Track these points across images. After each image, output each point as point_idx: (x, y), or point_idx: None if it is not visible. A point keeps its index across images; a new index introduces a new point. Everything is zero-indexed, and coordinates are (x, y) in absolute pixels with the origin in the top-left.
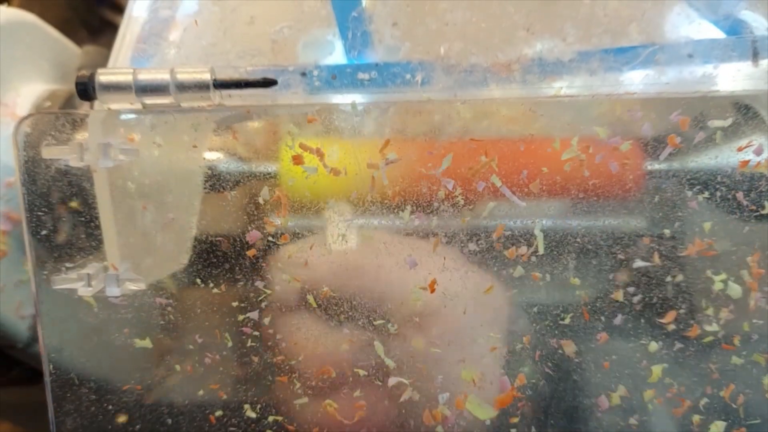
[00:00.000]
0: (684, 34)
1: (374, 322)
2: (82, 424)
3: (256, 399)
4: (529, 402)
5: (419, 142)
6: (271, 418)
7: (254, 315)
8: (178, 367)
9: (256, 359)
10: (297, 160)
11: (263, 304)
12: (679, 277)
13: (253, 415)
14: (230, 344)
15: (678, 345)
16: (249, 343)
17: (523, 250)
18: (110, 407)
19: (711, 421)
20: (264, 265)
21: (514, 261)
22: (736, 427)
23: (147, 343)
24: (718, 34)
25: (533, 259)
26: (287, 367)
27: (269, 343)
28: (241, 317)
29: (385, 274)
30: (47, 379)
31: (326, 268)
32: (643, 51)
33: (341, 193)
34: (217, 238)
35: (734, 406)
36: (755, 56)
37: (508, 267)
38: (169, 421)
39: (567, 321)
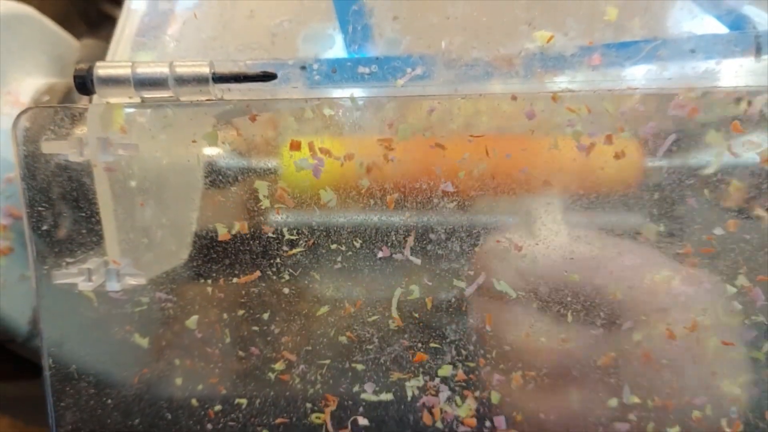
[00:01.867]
0: (686, 29)
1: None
2: (81, 418)
3: (255, 394)
4: None
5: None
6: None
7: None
8: (177, 361)
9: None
10: (294, 146)
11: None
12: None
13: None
14: (228, 339)
15: (676, 342)
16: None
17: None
18: (109, 401)
19: (711, 419)
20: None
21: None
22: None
23: (146, 338)
24: (721, 29)
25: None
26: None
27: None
28: (240, 312)
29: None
30: (47, 373)
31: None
32: (645, 46)
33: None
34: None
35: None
36: (758, 51)
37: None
38: (169, 415)
39: (569, 319)
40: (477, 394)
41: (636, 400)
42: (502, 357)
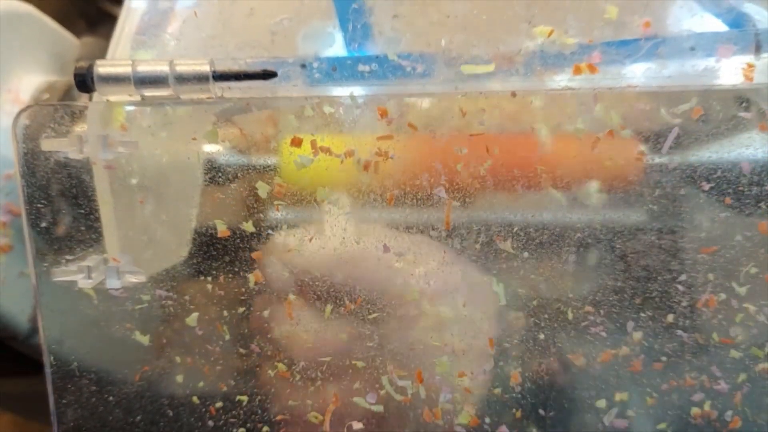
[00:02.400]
0: (686, 26)
1: (369, 316)
2: (82, 415)
3: (255, 391)
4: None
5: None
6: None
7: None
8: (178, 359)
9: (253, 351)
10: (295, 142)
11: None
12: (680, 272)
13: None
14: (228, 337)
15: (676, 340)
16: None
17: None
18: (111, 398)
19: (709, 415)
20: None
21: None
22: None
23: (147, 335)
24: (721, 26)
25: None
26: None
27: (268, 335)
28: (240, 309)
29: (383, 266)
30: (48, 370)
31: (323, 259)
32: (645, 44)
33: (340, 183)
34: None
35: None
36: (758, 49)
37: (508, 261)
38: (170, 412)
39: (569, 316)
40: (476, 390)
41: (632, 397)
42: (502, 354)
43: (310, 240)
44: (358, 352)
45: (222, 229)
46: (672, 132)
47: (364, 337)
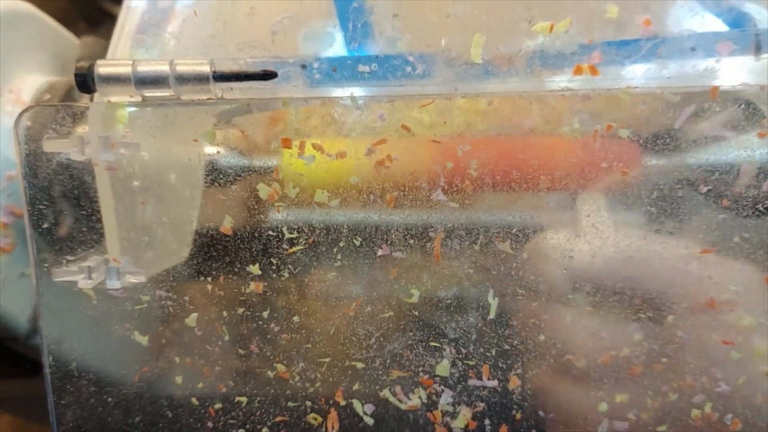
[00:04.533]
0: (687, 26)
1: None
2: (81, 416)
3: (255, 392)
4: None
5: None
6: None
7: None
8: (177, 359)
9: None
10: (286, 143)
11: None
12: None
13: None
14: (227, 337)
15: (676, 341)
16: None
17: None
18: (110, 399)
19: (710, 417)
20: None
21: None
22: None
23: (146, 336)
24: (721, 27)
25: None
26: None
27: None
28: (240, 310)
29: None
30: (47, 371)
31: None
32: (645, 44)
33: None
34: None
35: (734, 400)
36: (758, 50)
37: (506, 263)
38: (169, 413)
39: (568, 317)
40: (475, 393)
41: (633, 398)
42: (502, 355)
43: (312, 241)
44: (356, 352)
45: (226, 227)
46: (686, 109)
47: (363, 338)
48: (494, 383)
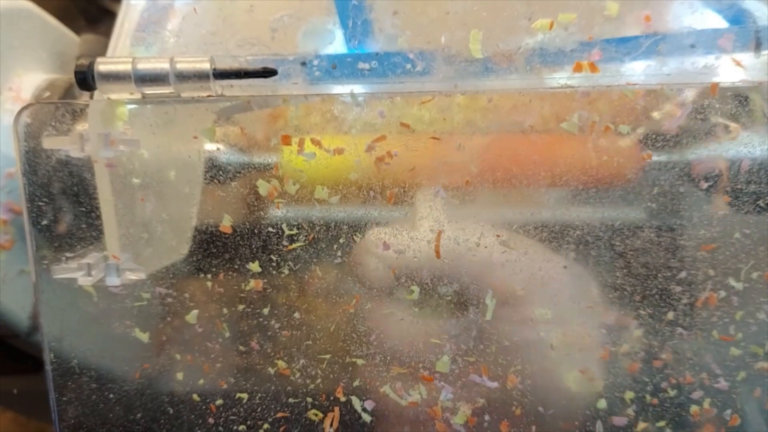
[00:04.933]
0: (686, 23)
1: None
2: (83, 413)
3: (255, 388)
4: None
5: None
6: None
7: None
8: (178, 356)
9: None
10: (285, 140)
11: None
12: (679, 269)
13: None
14: (228, 334)
15: (676, 337)
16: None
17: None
18: (111, 396)
19: (709, 413)
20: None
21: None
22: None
23: (147, 333)
24: (721, 23)
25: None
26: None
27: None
28: (240, 307)
29: None
30: (48, 368)
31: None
32: (645, 41)
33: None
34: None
35: (733, 395)
36: (758, 46)
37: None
38: (170, 410)
39: (569, 314)
40: (475, 389)
41: (632, 394)
42: (502, 352)
43: (312, 238)
44: (356, 349)
45: (225, 225)
46: (684, 109)
47: (363, 334)
48: (494, 380)
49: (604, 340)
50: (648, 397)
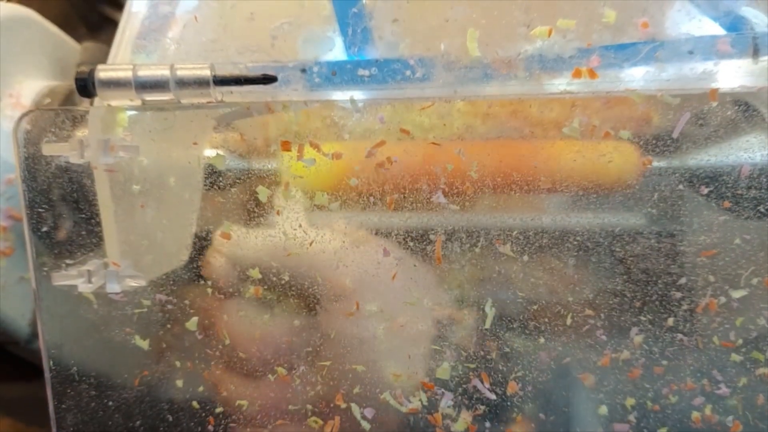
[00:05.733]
0: (684, 30)
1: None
2: (82, 420)
3: (256, 396)
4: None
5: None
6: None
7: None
8: (178, 363)
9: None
10: (285, 146)
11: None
12: (679, 275)
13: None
14: (228, 341)
15: (677, 343)
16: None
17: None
18: (110, 403)
19: (710, 419)
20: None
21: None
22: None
23: (147, 340)
24: (719, 30)
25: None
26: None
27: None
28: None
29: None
30: (47, 375)
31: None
32: (643, 48)
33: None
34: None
35: (734, 402)
36: (756, 53)
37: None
38: (170, 417)
39: (569, 320)
40: (475, 396)
41: (633, 401)
42: (503, 358)
43: (311, 244)
44: (357, 356)
45: (225, 233)
46: (683, 117)
47: (363, 341)
48: (494, 387)
49: (604, 347)
50: (649, 403)
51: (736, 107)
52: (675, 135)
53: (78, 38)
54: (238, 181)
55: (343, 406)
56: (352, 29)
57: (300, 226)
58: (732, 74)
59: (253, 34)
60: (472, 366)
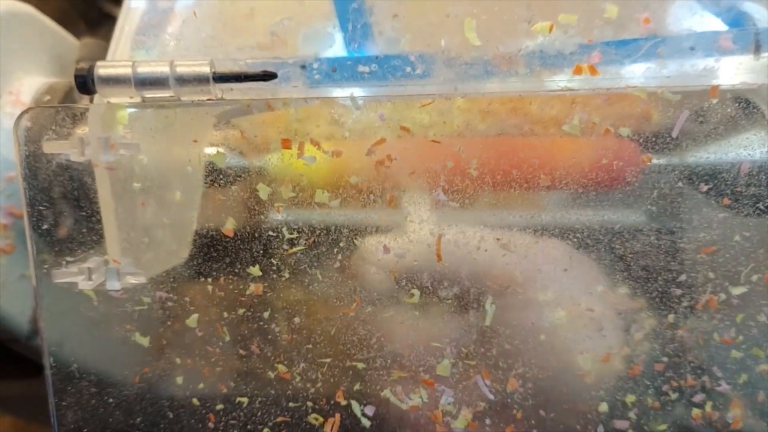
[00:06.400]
0: (686, 26)
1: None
2: (82, 417)
3: (256, 392)
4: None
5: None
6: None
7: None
8: (178, 360)
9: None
10: (285, 143)
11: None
12: (679, 272)
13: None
14: (228, 338)
15: (677, 340)
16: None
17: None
18: (111, 400)
19: (711, 416)
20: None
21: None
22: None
23: (147, 337)
24: (721, 26)
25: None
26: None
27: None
28: (241, 311)
29: None
30: (48, 372)
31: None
32: (644, 44)
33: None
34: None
35: (735, 398)
36: (757, 49)
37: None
38: (170, 414)
39: (570, 317)
40: (476, 393)
41: (633, 398)
42: (502, 355)
43: (312, 241)
44: (357, 353)
45: (228, 228)
46: (681, 115)
47: (363, 338)
48: (495, 384)
49: (605, 343)
50: (650, 400)
51: (737, 104)
52: (675, 132)
53: (77, 34)
54: (238, 178)
55: (344, 403)
56: (352, 25)
57: (463, 232)
58: (733, 71)
59: (252, 30)
60: (473, 363)
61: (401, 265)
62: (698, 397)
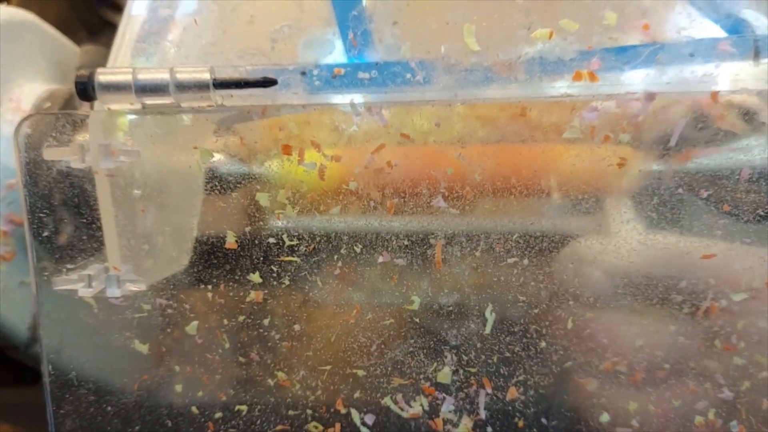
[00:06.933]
0: (685, 33)
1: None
2: (81, 425)
3: (255, 400)
4: None
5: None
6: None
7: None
8: (177, 368)
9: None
10: (286, 150)
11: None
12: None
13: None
14: (227, 345)
15: (678, 347)
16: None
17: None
18: (109, 408)
19: (714, 424)
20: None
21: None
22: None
23: (146, 344)
24: (720, 33)
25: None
26: None
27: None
28: (241, 318)
29: None
30: (46, 379)
31: None
32: (644, 50)
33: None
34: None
35: (738, 406)
36: (757, 55)
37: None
38: (169, 422)
39: (569, 324)
40: (477, 401)
41: (635, 405)
42: (503, 363)
43: (312, 248)
44: (357, 360)
45: (230, 241)
46: (678, 123)
47: (363, 345)
48: (496, 391)
49: (606, 351)
50: (652, 407)
51: (736, 110)
52: (674, 139)
53: (77, 41)
54: (239, 185)
55: (344, 411)
56: (353, 32)
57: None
58: (733, 77)
59: (253, 37)
60: (473, 370)
61: (401, 272)
62: (701, 405)
